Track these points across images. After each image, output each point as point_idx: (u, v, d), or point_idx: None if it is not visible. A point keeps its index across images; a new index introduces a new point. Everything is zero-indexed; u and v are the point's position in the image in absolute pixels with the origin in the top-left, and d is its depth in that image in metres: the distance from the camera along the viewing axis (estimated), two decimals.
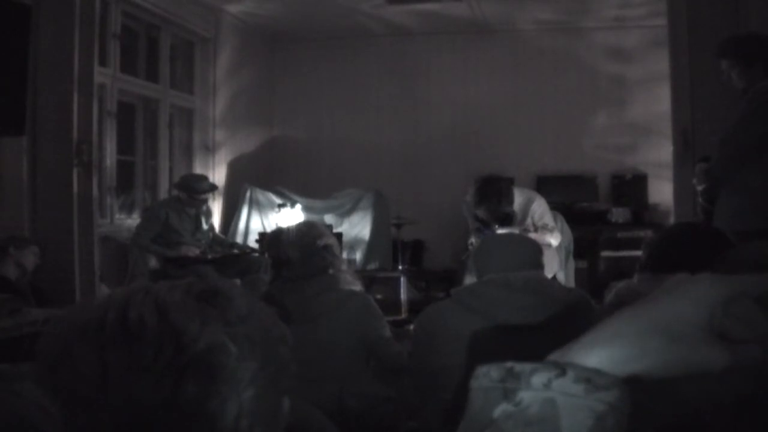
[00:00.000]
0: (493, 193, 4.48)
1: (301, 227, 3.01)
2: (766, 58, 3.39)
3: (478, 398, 0.56)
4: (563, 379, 0.53)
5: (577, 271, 5.70)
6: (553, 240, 4.80)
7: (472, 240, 4.81)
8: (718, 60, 3.56)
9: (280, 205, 7.05)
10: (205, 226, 5.97)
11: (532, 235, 4.28)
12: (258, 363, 0.78)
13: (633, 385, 0.54)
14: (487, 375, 0.56)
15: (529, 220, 4.77)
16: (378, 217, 7.04)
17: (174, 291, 0.80)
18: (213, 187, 6.07)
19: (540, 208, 4.85)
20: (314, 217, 6.40)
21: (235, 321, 0.79)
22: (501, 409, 0.54)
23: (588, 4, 7.12)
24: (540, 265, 2.42)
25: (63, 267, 4.79)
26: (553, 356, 0.58)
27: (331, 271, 2.85)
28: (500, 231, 4.48)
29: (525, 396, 0.54)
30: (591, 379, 0.53)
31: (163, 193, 6.79)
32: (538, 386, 0.54)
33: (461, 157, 7.91)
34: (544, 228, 4.75)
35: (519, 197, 4.71)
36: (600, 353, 0.55)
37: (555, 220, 5.01)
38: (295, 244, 2.84)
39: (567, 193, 7.43)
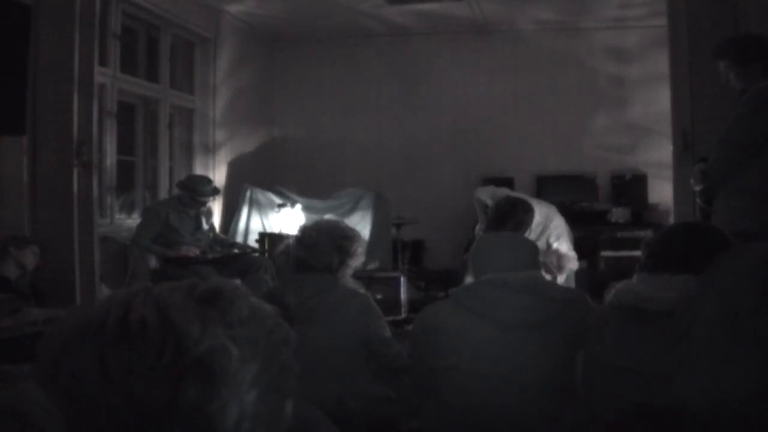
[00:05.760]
0: (513, 221, 4.25)
1: (330, 221, 3.08)
2: (763, 59, 3.39)
3: None
4: None
5: (577, 271, 5.69)
6: (572, 266, 4.79)
7: (479, 231, 4.81)
8: (716, 61, 3.57)
9: (280, 205, 7.05)
10: (205, 226, 5.96)
11: (553, 260, 4.29)
12: (260, 365, 0.78)
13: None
14: None
15: (543, 239, 4.71)
16: (378, 217, 7.04)
17: (176, 292, 0.80)
18: (216, 191, 6.05)
19: (558, 229, 4.78)
20: (314, 217, 6.40)
21: (236, 323, 0.79)
22: None
23: (588, 4, 7.12)
24: (537, 266, 2.43)
25: (63, 267, 4.79)
26: None
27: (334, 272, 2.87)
28: None
29: None
30: None
31: (163, 193, 6.79)
32: None
33: (461, 157, 7.91)
34: (558, 252, 4.72)
35: (538, 215, 4.55)
36: None
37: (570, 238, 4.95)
38: (316, 232, 2.88)
39: (567, 193, 7.43)
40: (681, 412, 0.96)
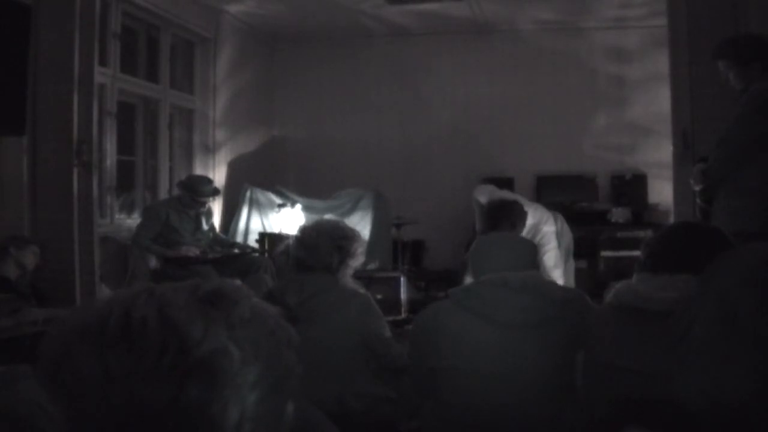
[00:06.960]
0: (507, 222, 4.28)
1: (330, 221, 3.08)
2: (763, 59, 3.40)
3: None
4: None
5: (577, 271, 5.70)
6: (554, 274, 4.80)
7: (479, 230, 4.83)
8: (716, 61, 3.57)
9: (280, 205, 7.05)
10: (205, 227, 5.97)
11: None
12: (262, 366, 0.78)
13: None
14: None
15: (536, 242, 4.73)
16: (378, 217, 7.04)
17: (178, 293, 0.80)
18: (216, 192, 6.05)
19: (546, 236, 4.81)
20: (314, 217, 6.40)
21: (238, 324, 0.79)
22: None
23: (588, 4, 7.12)
24: (536, 265, 2.43)
25: (63, 267, 4.78)
26: None
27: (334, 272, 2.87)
28: None
29: None
30: None
31: (163, 193, 6.79)
32: None
33: (461, 157, 7.91)
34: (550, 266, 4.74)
35: (531, 218, 4.56)
36: None
37: (560, 236, 4.94)
38: (316, 232, 2.88)
39: (567, 193, 7.44)
40: (680, 412, 0.96)
